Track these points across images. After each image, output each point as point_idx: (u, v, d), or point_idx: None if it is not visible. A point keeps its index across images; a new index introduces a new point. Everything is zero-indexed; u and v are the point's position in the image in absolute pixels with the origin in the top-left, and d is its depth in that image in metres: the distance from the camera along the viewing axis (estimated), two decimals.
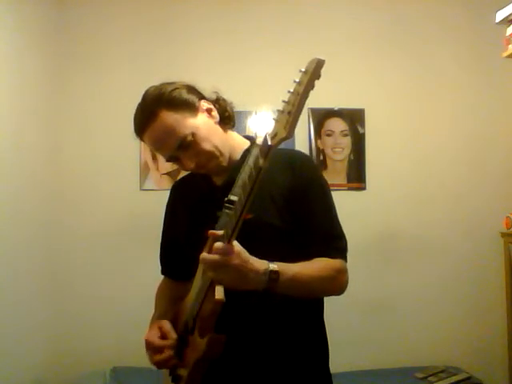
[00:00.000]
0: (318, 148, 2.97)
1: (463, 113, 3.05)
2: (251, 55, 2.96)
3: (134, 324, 2.70)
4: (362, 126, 3.00)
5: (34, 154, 2.60)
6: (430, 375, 2.64)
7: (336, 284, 1.21)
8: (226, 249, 1.00)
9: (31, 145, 2.57)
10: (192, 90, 1.29)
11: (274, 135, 0.88)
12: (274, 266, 1.06)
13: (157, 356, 1.27)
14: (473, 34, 3.04)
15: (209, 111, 1.28)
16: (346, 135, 2.99)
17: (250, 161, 1.00)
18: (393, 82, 3.02)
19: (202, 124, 1.24)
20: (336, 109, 2.94)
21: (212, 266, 1.03)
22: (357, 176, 2.98)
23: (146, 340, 1.31)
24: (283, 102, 0.87)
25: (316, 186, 1.27)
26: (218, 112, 1.30)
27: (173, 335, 1.28)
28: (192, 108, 1.25)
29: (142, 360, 2.66)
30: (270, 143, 0.88)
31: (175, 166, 2.82)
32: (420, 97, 3.04)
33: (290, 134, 0.85)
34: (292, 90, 0.85)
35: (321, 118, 2.96)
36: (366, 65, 2.97)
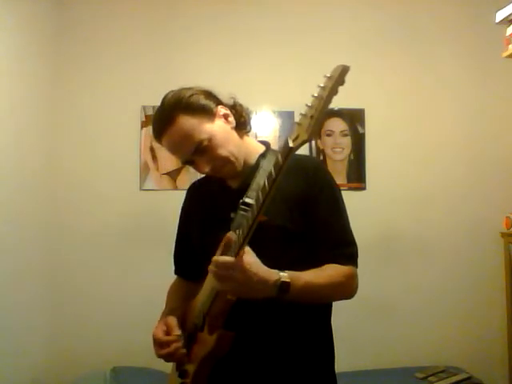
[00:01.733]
0: (318, 148, 2.97)
1: (463, 113, 3.05)
2: (251, 55, 2.96)
3: (134, 324, 2.72)
4: (362, 126, 3.00)
5: (33, 153, 2.60)
6: (430, 375, 2.64)
7: (346, 290, 1.24)
8: (229, 263, 1.03)
9: (31, 145, 2.57)
10: (209, 95, 1.31)
11: (295, 138, 0.89)
12: (285, 276, 1.07)
13: (163, 350, 1.29)
14: (473, 33, 3.04)
15: (226, 117, 1.30)
16: (345, 135, 2.99)
17: (266, 165, 0.98)
18: (393, 82, 3.02)
19: (218, 129, 1.27)
20: (336, 109, 2.94)
21: (216, 278, 1.07)
22: (357, 176, 2.98)
23: (152, 335, 1.34)
24: (306, 105, 0.88)
25: (328, 193, 1.28)
26: (235, 117, 1.32)
27: (176, 331, 1.30)
28: (209, 113, 1.27)
29: (142, 360, 2.68)
30: (291, 145, 0.89)
31: (175, 166, 2.88)
32: (420, 97, 3.04)
33: (311, 136, 0.87)
34: (316, 95, 0.86)
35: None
36: (366, 65, 2.97)
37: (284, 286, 1.07)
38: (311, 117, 0.86)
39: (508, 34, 2.23)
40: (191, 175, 2.85)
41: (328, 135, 2.98)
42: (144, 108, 2.88)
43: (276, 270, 1.08)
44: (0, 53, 2.25)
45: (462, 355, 2.90)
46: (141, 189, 2.90)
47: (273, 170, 0.94)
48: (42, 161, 2.72)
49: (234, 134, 1.31)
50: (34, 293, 2.59)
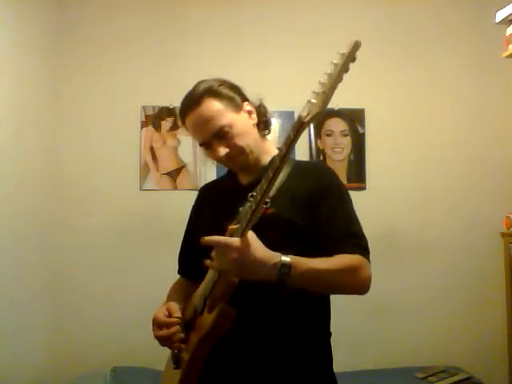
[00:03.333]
0: (318, 148, 2.97)
1: (463, 113, 3.05)
2: (251, 55, 2.96)
3: (133, 324, 2.71)
4: (362, 126, 3.00)
5: (33, 153, 2.60)
6: (430, 375, 2.64)
7: (355, 279, 1.21)
8: (225, 242, 1.04)
9: (31, 144, 2.57)
10: (238, 90, 1.38)
11: (307, 114, 0.92)
12: (286, 259, 1.07)
13: (162, 331, 1.30)
14: (473, 34, 3.04)
15: (249, 113, 1.36)
16: (346, 135, 2.99)
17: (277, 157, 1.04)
18: (393, 82, 3.02)
19: (240, 121, 1.32)
20: (336, 109, 2.94)
21: (215, 253, 1.08)
22: (357, 176, 2.98)
23: (153, 317, 1.35)
24: (319, 82, 0.90)
25: (335, 190, 1.31)
26: (258, 117, 1.37)
27: (178, 314, 1.32)
28: (235, 105, 1.33)
29: (142, 360, 2.68)
30: (303, 120, 0.92)
31: (175, 166, 2.88)
32: (420, 97, 3.04)
33: (323, 108, 0.89)
34: (328, 72, 0.88)
35: (321, 117, 2.96)
36: (366, 65, 2.96)
37: (285, 269, 1.05)
38: (323, 92, 0.88)
39: (508, 33, 2.23)
40: (191, 175, 2.85)
41: (328, 135, 2.98)
42: (144, 108, 2.88)
43: (278, 253, 1.07)
44: (0, 52, 2.25)
45: (462, 355, 2.90)
46: (141, 189, 2.90)
47: (283, 146, 0.96)
48: (42, 161, 2.72)
49: (255, 130, 1.36)
50: (34, 293, 2.59)
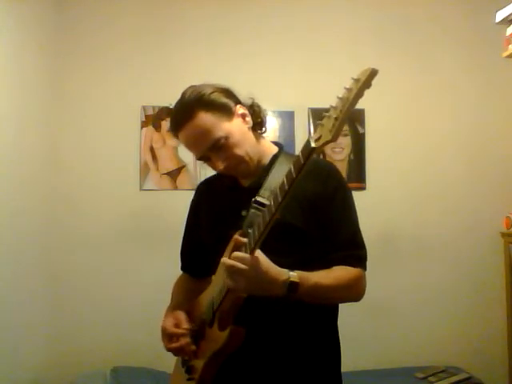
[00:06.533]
0: None
1: (463, 113, 3.05)
2: (251, 55, 2.96)
3: (134, 324, 2.72)
4: (362, 125, 3.00)
5: (33, 153, 2.60)
6: (430, 375, 2.64)
7: (353, 292, 1.25)
8: (242, 258, 1.04)
9: (31, 144, 2.57)
10: (229, 94, 1.32)
11: (317, 138, 0.90)
12: (294, 276, 1.08)
13: (172, 343, 1.31)
14: (473, 34, 3.04)
15: (243, 116, 1.31)
16: (346, 135, 2.99)
17: (278, 166, 1.06)
18: (393, 82, 3.01)
19: (236, 129, 1.28)
20: None
21: (229, 273, 1.07)
22: (357, 176, 2.98)
23: (161, 327, 1.35)
24: (331, 106, 0.87)
25: (341, 196, 1.30)
26: (252, 117, 1.34)
27: (186, 324, 1.32)
28: (228, 112, 1.28)
29: (142, 360, 2.68)
30: (313, 145, 0.90)
31: (175, 166, 2.88)
32: (420, 97, 3.04)
33: (335, 137, 0.87)
34: (341, 96, 0.86)
35: (321, 117, 2.95)
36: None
37: (293, 286, 1.07)
38: (335, 118, 0.86)
39: (508, 33, 2.23)
40: (191, 175, 2.85)
41: None
42: (144, 108, 2.88)
43: (286, 270, 1.09)
44: (0, 52, 2.25)
45: (462, 355, 2.90)
46: (141, 189, 2.89)
47: (293, 170, 0.94)
48: (42, 161, 2.72)
49: (250, 134, 1.32)
50: (34, 293, 2.59)
